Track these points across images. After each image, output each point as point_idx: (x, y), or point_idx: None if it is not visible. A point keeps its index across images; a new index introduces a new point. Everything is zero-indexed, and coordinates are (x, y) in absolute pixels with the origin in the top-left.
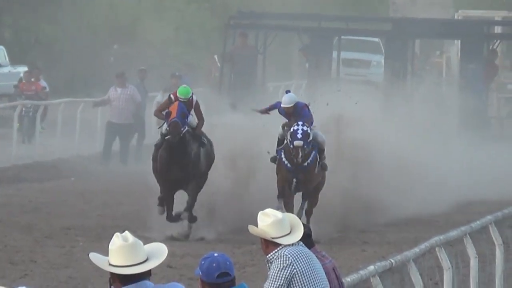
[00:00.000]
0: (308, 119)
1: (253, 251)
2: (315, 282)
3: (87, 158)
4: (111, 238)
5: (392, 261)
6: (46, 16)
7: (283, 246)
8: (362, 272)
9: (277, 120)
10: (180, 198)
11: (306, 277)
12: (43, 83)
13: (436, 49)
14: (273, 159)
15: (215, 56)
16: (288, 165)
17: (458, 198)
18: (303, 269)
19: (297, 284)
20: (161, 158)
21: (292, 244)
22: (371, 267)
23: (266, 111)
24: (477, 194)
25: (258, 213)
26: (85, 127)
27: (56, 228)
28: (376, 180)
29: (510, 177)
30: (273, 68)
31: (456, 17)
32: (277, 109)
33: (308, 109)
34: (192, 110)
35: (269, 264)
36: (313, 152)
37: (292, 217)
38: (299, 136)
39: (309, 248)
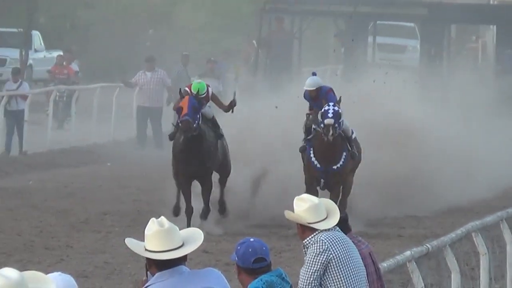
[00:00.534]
0: (335, 102)
1: (289, 236)
2: (351, 267)
3: (122, 143)
4: (146, 224)
5: (429, 246)
6: (81, 1)
7: (319, 231)
8: (398, 257)
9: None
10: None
11: (342, 262)
12: (75, 67)
13: (472, 35)
14: (302, 149)
15: (254, 41)
16: (318, 165)
17: (496, 183)
18: (339, 254)
19: (333, 269)
20: (176, 150)
21: (329, 229)
22: (408, 252)
23: (313, 111)
24: None
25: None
26: (121, 112)
27: (92, 213)
28: (417, 166)
29: None
30: (309, 53)
31: (492, 2)
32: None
33: (334, 93)
34: (210, 104)
35: (306, 250)
36: (344, 153)
37: (328, 202)
38: (330, 115)
39: (345, 233)
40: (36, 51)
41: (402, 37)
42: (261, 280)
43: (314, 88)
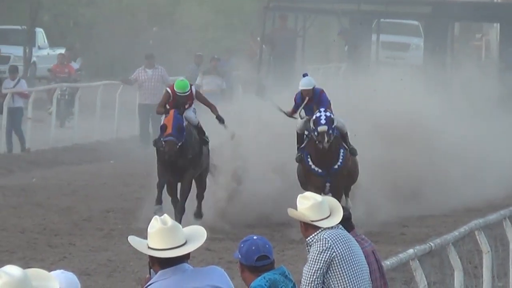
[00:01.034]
0: (327, 105)
1: (292, 234)
2: (354, 265)
3: (126, 141)
4: (150, 221)
5: (432, 244)
6: None
7: (322, 229)
8: (401, 255)
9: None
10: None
11: (345, 260)
12: (75, 65)
13: (475, 32)
14: (299, 158)
15: (258, 38)
16: (319, 170)
17: (498, 181)
18: (342, 252)
19: (336, 267)
20: (160, 158)
21: (332, 227)
22: (411, 251)
23: (293, 113)
24: None
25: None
26: (124, 109)
27: (95, 211)
28: (426, 164)
29: None
30: (312, 50)
31: (495, 0)
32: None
33: (326, 94)
34: (194, 106)
35: (309, 247)
36: (341, 150)
37: (332, 200)
38: (322, 121)
39: (349, 231)
40: (39, 48)
41: (406, 35)
42: (264, 278)
43: (311, 88)
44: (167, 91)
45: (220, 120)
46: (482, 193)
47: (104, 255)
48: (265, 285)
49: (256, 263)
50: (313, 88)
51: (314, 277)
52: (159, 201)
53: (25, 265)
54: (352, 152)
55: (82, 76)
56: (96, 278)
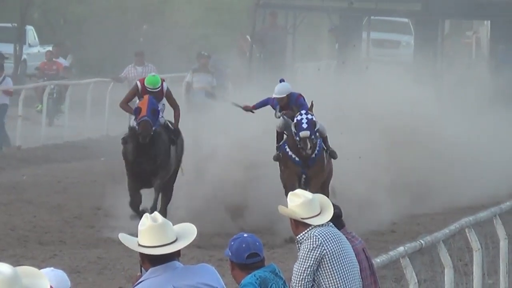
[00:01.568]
0: (306, 109)
1: (282, 232)
2: (344, 263)
3: (116, 138)
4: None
5: (422, 242)
6: None
7: (313, 227)
8: (392, 253)
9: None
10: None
11: (335, 258)
12: (63, 61)
13: (466, 30)
14: (276, 157)
15: (248, 36)
16: (296, 158)
17: (493, 178)
18: (333, 250)
19: (326, 265)
20: (128, 155)
21: (322, 225)
22: (401, 248)
23: (252, 108)
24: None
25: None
26: (115, 107)
27: (86, 208)
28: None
29: None
30: (303, 48)
31: None
32: (268, 105)
33: (304, 99)
34: (163, 102)
35: (299, 245)
36: (318, 141)
37: (322, 197)
38: (304, 126)
39: (339, 229)
40: (30, 46)
41: (396, 33)
42: (254, 276)
43: (285, 95)
44: (136, 85)
45: (176, 119)
46: (484, 192)
47: (94, 253)
48: (256, 282)
49: (247, 261)
50: (289, 94)
51: (305, 274)
52: (137, 214)
53: (15, 263)
54: (332, 155)
55: (72, 73)
56: (86, 276)
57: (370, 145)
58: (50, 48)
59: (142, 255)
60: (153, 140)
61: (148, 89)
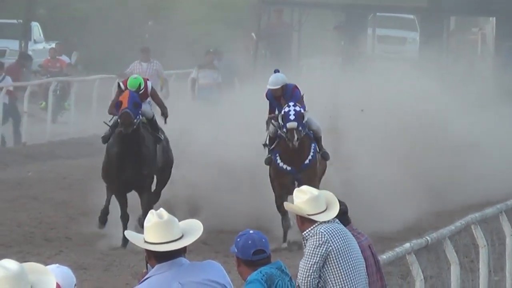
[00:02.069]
0: (300, 101)
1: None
2: (350, 260)
3: None
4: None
5: (428, 238)
6: None
7: (319, 223)
8: (398, 250)
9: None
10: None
11: (341, 255)
12: (66, 58)
13: (471, 26)
14: (268, 161)
15: (253, 34)
16: (288, 168)
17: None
18: (339, 247)
19: (332, 261)
20: (110, 153)
21: (328, 221)
22: (407, 245)
23: (273, 114)
24: None
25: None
26: None
27: (91, 205)
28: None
29: None
30: (308, 45)
31: None
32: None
33: (299, 90)
34: (150, 99)
35: (305, 241)
36: (312, 144)
37: (328, 194)
38: (291, 117)
39: (345, 226)
40: (35, 42)
41: (402, 29)
42: (260, 272)
43: (279, 87)
44: (119, 87)
45: (165, 115)
46: (496, 186)
47: (100, 249)
48: (262, 279)
49: (253, 257)
50: (284, 85)
51: (311, 271)
52: (104, 218)
53: (21, 259)
54: (324, 156)
55: (78, 70)
56: (92, 272)
57: (382, 140)
58: (54, 45)
59: (148, 251)
60: (137, 138)
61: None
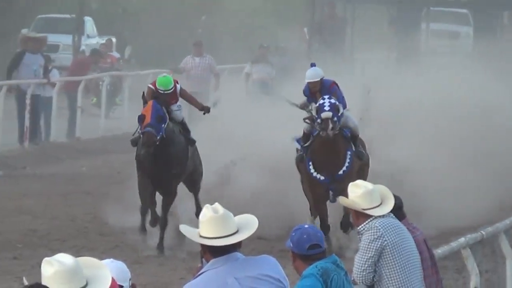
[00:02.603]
0: (338, 97)
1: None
2: (405, 254)
3: None
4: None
5: (483, 233)
6: None
7: (373, 217)
8: (453, 244)
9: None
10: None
11: (396, 249)
12: (116, 54)
13: None
14: (299, 159)
15: (305, 29)
16: (321, 178)
17: None
18: (393, 241)
19: (387, 256)
20: (139, 156)
21: (383, 216)
22: (462, 239)
23: (306, 106)
24: None
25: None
26: None
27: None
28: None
29: None
30: (362, 39)
31: None
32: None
33: (338, 86)
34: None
35: (360, 236)
36: (349, 153)
37: (383, 188)
38: (326, 108)
39: (400, 220)
40: (88, 37)
41: (455, 24)
42: (316, 267)
43: (318, 79)
44: (150, 88)
45: (206, 109)
46: None
47: (155, 244)
48: (317, 273)
49: (308, 252)
50: (321, 79)
51: (366, 265)
52: (143, 228)
53: (76, 253)
54: (359, 155)
55: (131, 64)
56: (147, 267)
57: (446, 134)
58: (104, 41)
59: (203, 246)
60: (167, 140)
61: (160, 90)
